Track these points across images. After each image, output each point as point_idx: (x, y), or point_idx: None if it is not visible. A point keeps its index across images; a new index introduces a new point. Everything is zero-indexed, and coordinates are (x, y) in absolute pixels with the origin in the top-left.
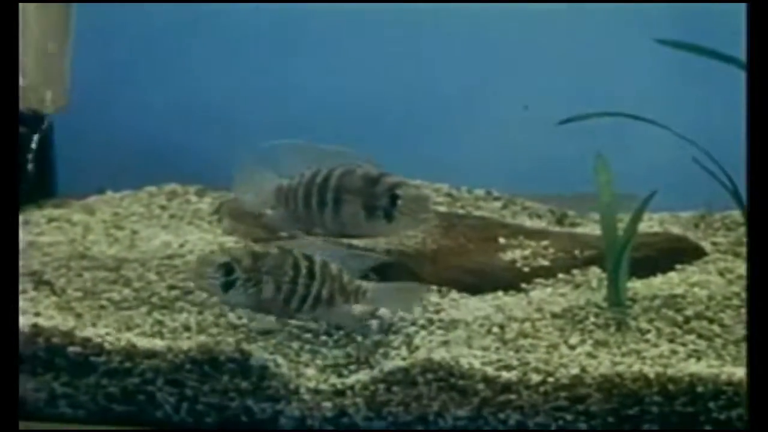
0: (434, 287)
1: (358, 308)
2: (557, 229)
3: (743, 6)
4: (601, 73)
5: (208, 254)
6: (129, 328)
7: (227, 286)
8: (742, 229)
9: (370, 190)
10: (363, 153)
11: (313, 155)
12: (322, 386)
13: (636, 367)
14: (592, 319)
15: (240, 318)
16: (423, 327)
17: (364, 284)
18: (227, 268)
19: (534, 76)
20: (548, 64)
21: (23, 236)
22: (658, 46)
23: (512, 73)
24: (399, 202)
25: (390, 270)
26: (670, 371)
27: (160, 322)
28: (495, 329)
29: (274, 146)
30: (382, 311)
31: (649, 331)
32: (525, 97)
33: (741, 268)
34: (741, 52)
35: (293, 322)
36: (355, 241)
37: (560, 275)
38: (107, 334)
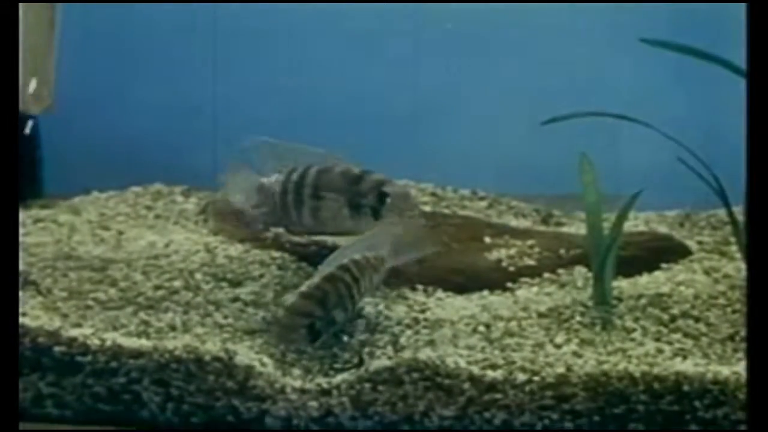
0: (419, 286)
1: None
2: (543, 228)
3: (743, 6)
4: (587, 73)
5: (284, 319)
6: (115, 328)
7: (315, 339)
8: (728, 228)
9: (355, 188)
10: (336, 152)
11: (287, 154)
12: (308, 386)
13: (622, 366)
14: (577, 318)
15: (225, 317)
16: (409, 326)
17: (381, 252)
18: (310, 328)
19: (519, 75)
20: (534, 63)
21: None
22: (645, 46)
23: (498, 72)
24: (387, 199)
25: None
26: (656, 370)
27: (146, 322)
28: (481, 328)
29: (249, 145)
30: (368, 311)
31: (634, 329)
32: (511, 97)
33: (726, 266)
34: (740, 52)
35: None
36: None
37: (546, 274)
38: (93, 334)
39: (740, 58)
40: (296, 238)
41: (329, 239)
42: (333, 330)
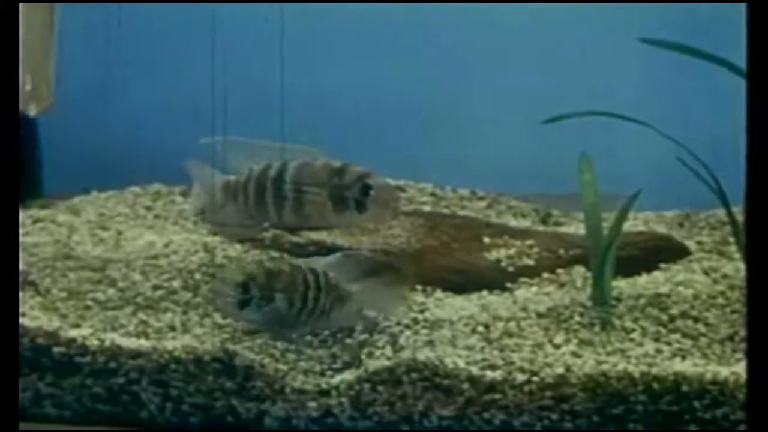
0: (418, 286)
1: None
2: (542, 228)
3: (742, 6)
4: (587, 72)
5: (226, 272)
6: (114, 329)
7: (243, 305)
8: (727, 228)
9: (338, 181)
10: (308, 148)
11: (254, 151)
12: (307, 386)
13: (621, 366)
14: (576, 318)
15: (224, 318)
16: (408, 326)
17: (351, 287)
18: (245, 288)
19: (519, 75)
20: (533, 62)
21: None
22: (646, 46)
23: (497, 72)
24: (371, 191)
25: (376, 269)
26: (655, 370)
27: (145, 322)
28: (480, 328)
29: (213, 143)
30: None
31: (634, 330)
32: (511, 96)
33: (726, 267)
34: (739, 52)
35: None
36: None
37: (545, 274)
38: (92, 334)
39: (740, 58)
40: (296, 238)
41: (329, 239)
42: (266, 313)
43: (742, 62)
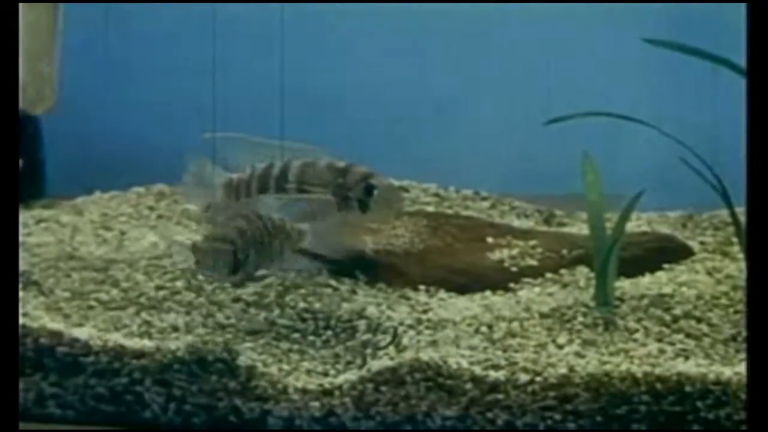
0: (421, 286)
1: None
2: (545, 228)
3: (742, 6)
4: (591, 73)
5: (207, 245)
6: (117, 329)
7: (235, 271)
8: (730, 229)
9: (341, 181)
10: (312, 147)
11: (256, 149)
12: (310, 386)
13: (624, 367)
14: (580, 318)
15: (228, 318)
16: (411, 327)
17: (302, 226)
18: (235, 257)
19: (523, 76)
20: (537, 63)
21: None
22: (648, 46)
23: (501, 73)
24: (375, 192)
25: (377, 269)
26: (658, 370)
27: (148, 323)
28: (483, 329)
29: (214, 139)
30: (370, 310)
31: (637, 330)
32: (514, 97)
33: (729, 267)
34: (739, 52)
35: (281, 321)
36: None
37: (548, 275)
38: (95, 334)
39: (740, 58)
40: None
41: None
42: (249, 271)
43: (742, 62)
